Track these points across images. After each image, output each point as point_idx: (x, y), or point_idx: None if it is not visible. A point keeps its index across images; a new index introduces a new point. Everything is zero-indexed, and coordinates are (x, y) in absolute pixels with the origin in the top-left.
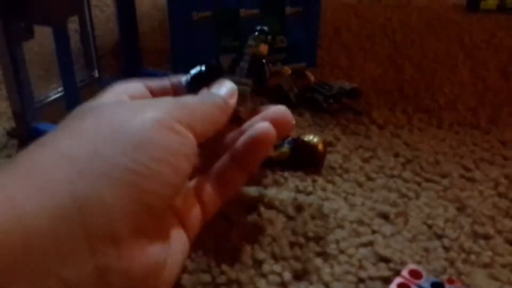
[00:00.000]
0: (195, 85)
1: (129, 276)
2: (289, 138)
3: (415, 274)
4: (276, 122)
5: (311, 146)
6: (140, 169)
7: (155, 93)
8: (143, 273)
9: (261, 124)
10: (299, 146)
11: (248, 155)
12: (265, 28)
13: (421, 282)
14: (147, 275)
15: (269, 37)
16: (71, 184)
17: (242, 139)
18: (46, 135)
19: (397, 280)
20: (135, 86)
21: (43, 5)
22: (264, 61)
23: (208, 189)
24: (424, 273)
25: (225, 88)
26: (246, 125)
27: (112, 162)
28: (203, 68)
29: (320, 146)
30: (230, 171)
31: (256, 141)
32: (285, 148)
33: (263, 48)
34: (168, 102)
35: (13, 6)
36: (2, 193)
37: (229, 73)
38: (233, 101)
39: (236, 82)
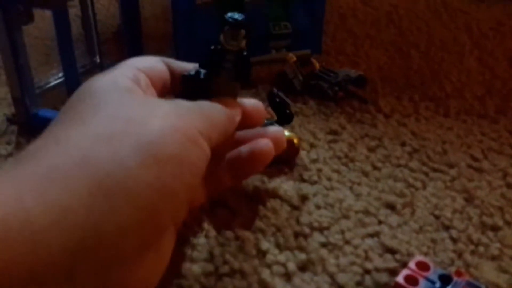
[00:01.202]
0: (194, 83)
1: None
2: None
3: (422, 266)
4: (274, 142)
5: (287, 141)
6: (163, 189)
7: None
8: (137, 282)
9: (264, 141)
10: None
11: (244, 168)
12: (238, 18)
13: (429, 274)
14: (141, 282)
15: (244, 30)
16: (89, 197)
17: (244, 150)
18: (55, 126)
19: (404, 272)
20: (157, 68)
21: None
22: (245, 54)
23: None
24: (431, 265)
25: (233, 106)
26: (246, 132)
27: (134, 176)
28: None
29: (296, 141)
30: (222, 175)
31: (256, 157)
32: None
33: (243, 44)
34: (190, 109)
35: None
36: (17, 204)
37: (215, 74)
38: (239, 118)
39: (226, 84)
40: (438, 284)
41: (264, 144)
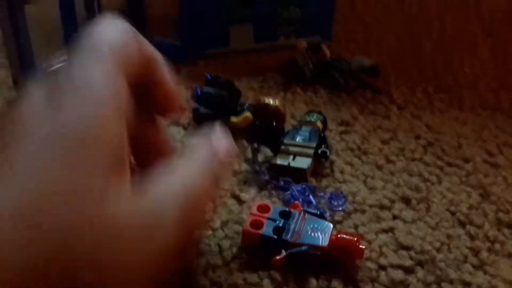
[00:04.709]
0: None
1: None
2: (247, 104)
3: (263, 208)
4: None
5: (273, 108)
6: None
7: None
8: None
9: None
10: (260, 109)
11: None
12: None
13: (270, 214)
14: None
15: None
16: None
17: None
18: None
19: (250, 218)
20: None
21: None
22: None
23: None
24: (271, 205)
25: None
26: None
27: None
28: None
29: (282, 108)
30: None
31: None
32: (247, 113)
33: None
34: None
35: None
36: None
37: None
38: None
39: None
40: (279, 221)
41: None
